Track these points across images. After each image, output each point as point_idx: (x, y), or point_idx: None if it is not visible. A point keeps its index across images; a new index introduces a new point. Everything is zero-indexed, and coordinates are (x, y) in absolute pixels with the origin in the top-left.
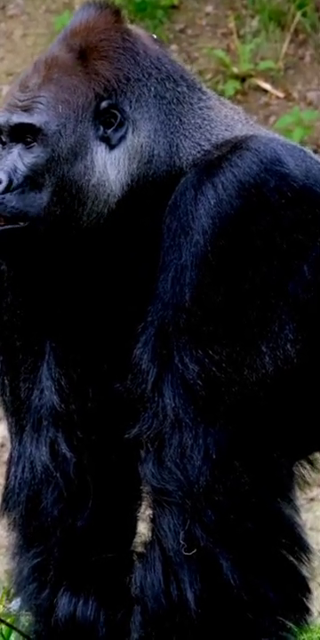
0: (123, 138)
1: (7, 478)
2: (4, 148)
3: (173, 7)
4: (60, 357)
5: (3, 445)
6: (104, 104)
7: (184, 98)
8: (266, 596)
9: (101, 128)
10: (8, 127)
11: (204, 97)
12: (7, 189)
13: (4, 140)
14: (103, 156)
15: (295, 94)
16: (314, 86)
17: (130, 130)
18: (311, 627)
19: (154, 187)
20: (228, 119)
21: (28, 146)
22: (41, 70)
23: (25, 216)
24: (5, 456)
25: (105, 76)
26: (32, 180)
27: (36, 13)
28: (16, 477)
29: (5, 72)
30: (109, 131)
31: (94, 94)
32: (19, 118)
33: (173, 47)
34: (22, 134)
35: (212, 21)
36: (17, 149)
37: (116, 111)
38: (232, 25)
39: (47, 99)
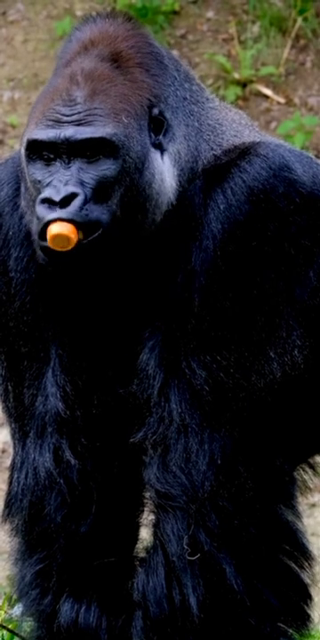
0: (168, 144)
1: (10, 484)
2: (52, 164)
3: (174, 13)
4: (65, 364)
5: (4, 451)
6: (155, 111)
7: (197, 97)
8: (268, 601)
9: (153, 135)
10: (67, 143)
11: (209, 97)
12: (86, 201)
13: (50, 155)
14: (160, 162)
15: (296, 100)
16: (315, 92)
17: (171, 136)
18: (312, 633)
19: (179, 194)
20: (236, 124)
21: (90, 159)
22: (81, 82)
23: (100, 225)
24: (7, 462)
25: (147, 84)
26: (100, 192)
27: (36, 19)
28: (19, 483)
29: (6, 77)
30: (160, 137)
31: (147, 101)
32: (82, 133)
33: (174, 53)
34: (84, 149)
35: (212, 27)
36: (77, 164)
37: (162, 118)
38: (233, 30)
39: (104, 110)
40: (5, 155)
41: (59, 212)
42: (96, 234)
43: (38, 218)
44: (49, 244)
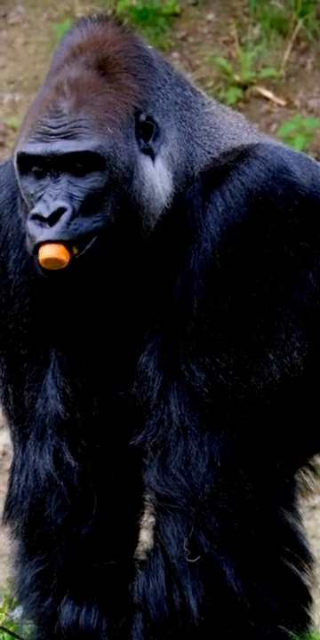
0: (160, 148)
1: (10, 486)
2: (43, 177)
3: (175, 15)
4: (65, 366)
5: (4, 454)
6: (142, 117)
7: (191, 103)
8: (268, 604)
9: (142, 141)
10: (53, 157)
11: (206, 102)
12: (74, 215)
13: (39, 169)
14: (150, 168)
15: (297, 102)
16: (315, 94)
17: (162, 139)
18: (313, 635)
19: (175, 197)
20: (234, 127)
21: (78, 172)
22: (67, 93)
23: (93, 234)
24: (7, 464)
25: (134, 89)
26: (90, 205)
27: (37, 21)
28: (19, 485)
29: (7, 80)
30: (150, 142)
31: (133, 108)
32: (66, 147)
33: (175, 55)
34: (71, 162)
35: (213, 29)
36: (65, 177)
37: (151, 122)
38: (234, 33)
39: (89, 121)
40: (6, 157)
41: (47, 233)
42: (89, 245)
43: (29, 235)
44: (42, 265)
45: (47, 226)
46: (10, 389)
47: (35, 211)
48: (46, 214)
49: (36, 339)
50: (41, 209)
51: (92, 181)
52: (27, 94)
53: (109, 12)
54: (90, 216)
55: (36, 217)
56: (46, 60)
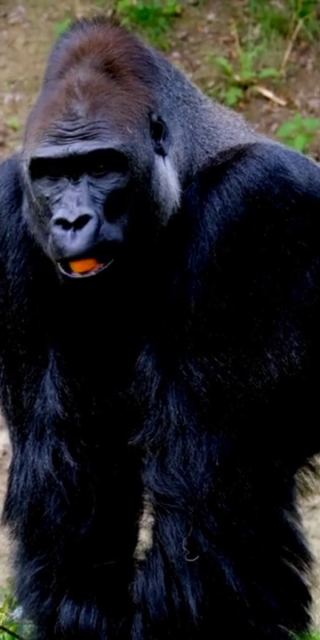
0: (168, 147)
1: (9, 486)
2: (59, 179)
3: (175, 15)
4: (63, 366)
5: (4, 454)
6: (154, 117)
7: (189, 97)
8: (268, 603)
9: (154, 141)
10: (74, 157)
11: (202, 98)
12: (100, 222)
13: (54, 172)
14: (163, 168)
15: (297, 102)
16: (316, 94)
17: (169, 138)
18: (313, 634)
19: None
20: (231, 127)
21: (99, 173)
22: (80, 95)
23: (116, 246)
24: (7, 464)
25: (143, 90)
26: (112, 207)
27: (37, 21)
28: (18, 485)
29: (7, 80)
30: (161, 141)
31: (146, 109)
32: (90, 146)
33: (175, 55)
34: (92, 163)
35: (213, 29)
36: (85, 179)
37: (161, 122)
38: (234, 33)
39: (108, 122)
40: (6, 157)
41: (77, 247)
42: (114, 255)
43: (56, 244)
44: (76, 271)
45: (74, 233)
46: (8, 390)
47: (58, 215)
48: (71, 219)
49: (35, 339)
50: (64, 213)
51: (114, 182)
52: (27, 94)
53: (110, 13)
54: (113, 221)
55: (60, 222)
56: (46, 60)
